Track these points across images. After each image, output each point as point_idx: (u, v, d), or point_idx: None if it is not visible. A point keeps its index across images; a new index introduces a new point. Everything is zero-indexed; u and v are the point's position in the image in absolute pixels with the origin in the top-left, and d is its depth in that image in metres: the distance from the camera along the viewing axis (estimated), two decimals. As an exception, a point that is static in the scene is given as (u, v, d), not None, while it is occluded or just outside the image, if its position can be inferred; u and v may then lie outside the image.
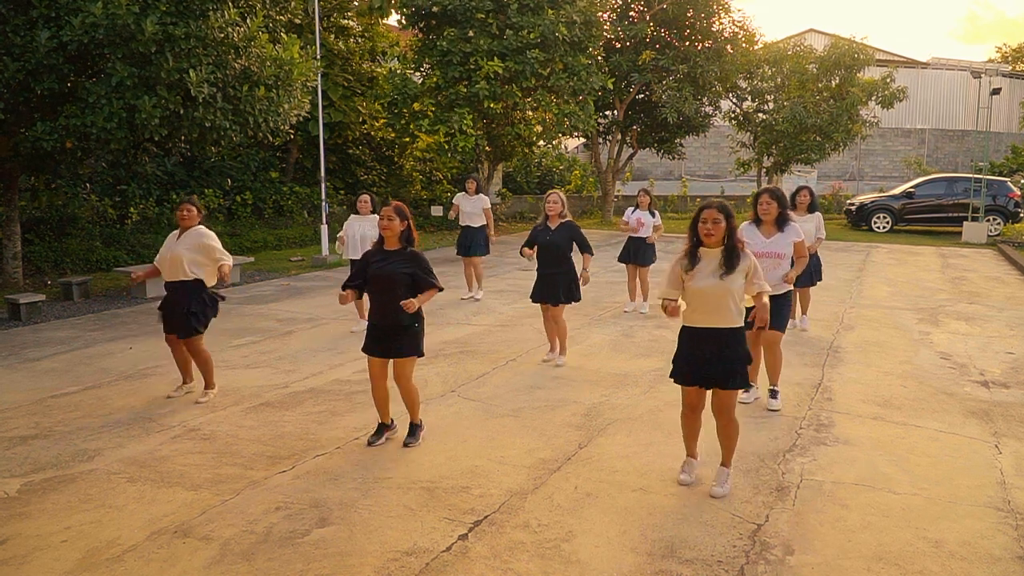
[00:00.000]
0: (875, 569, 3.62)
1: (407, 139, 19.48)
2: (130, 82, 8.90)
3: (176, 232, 6.04)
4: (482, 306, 9.90)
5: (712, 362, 4.20)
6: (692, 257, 4.20)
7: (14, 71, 8.70)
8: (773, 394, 5.95)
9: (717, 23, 20.59)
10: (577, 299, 7.11)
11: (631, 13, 21.01)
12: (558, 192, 7.09)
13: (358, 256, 8.01)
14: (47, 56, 8.73)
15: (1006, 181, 20.97)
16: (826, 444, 5.20)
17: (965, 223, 18.92)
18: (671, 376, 4.42)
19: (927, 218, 20.51)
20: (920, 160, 30.11)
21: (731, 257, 4.15)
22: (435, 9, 16.36)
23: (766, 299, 4.35)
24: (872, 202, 21.10)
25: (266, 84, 10.29)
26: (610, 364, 7.13)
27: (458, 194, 10.72)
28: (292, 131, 13.46)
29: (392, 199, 20.47)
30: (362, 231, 8.27)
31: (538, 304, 7.17)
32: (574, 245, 6.97)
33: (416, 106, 16.91)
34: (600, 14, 18.41)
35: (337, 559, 3.66)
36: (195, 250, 5.91)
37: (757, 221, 5.84)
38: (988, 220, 19.21)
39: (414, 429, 5.16)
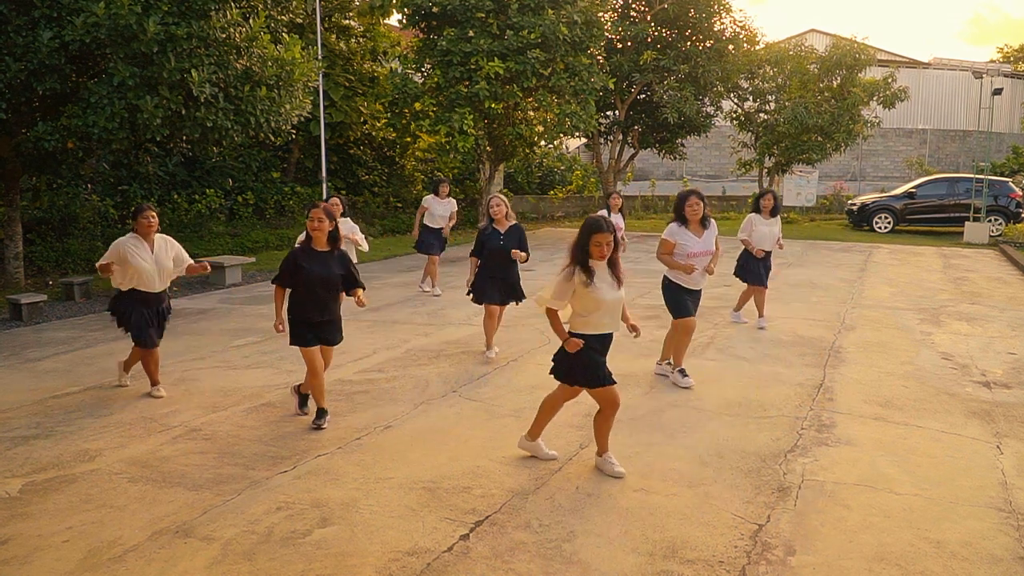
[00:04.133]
0: (876, 570, 3.62)
1: (408, 139, 19.51)
2: (132, 82, 8.91)
3: (139, 241, 5.92)
4: (483, 307, 9.87)
5: (603, 363, 4.62)
6: (588, 271, 4.47)
7: (16, 71, 8.70)
8: (683, 372, 6.56)
9: (718, 23, 20.59)
10: (519, 298, 7.44)
11: (632, 13, 21.01)
12: (500, 195, 7.30)
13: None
14: (49, 56, 8.73)
15: (1008, 181, 20.95)
16: (828, 444, 5.19)
17: (967, 223, 18.91)
18: (553, 373, 4.73)
19: (929, 218, 20.49)
20: (922, 160, 30.09)
21: (616, 270, 4.58)
22: (435, 9, 16.37)
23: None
24: (873, 202, 21.09)
25: (268, 84, 10.29)
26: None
27: (428, 196, 11.03)
28: (293, 131, 13.47)
29: (393, 199, 20.54)
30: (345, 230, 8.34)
31: (482, 305, 7.36)
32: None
33: (417, 106, 16.91)
34: (601, 14, 18.40)
35: (338, 559, 3.66)
36: (175, 260, 6.12)
37: (683, 221, 6.26)
38: (990, 220, 19.19)
39: (324, 413, 5.48)
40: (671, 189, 28.16)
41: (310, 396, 5.68)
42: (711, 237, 6.34)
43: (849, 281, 12.19)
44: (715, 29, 20.49)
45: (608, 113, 22.06)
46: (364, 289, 5.51)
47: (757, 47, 21.60)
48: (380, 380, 6.63)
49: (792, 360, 7.35)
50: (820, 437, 5.32)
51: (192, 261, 6.28)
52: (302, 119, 11.55)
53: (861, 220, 20.80)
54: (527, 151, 19.72)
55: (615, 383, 4.60)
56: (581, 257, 4.49)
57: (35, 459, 4.85)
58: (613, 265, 4.57)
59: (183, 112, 9.52)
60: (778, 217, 8.69)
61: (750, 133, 22.77)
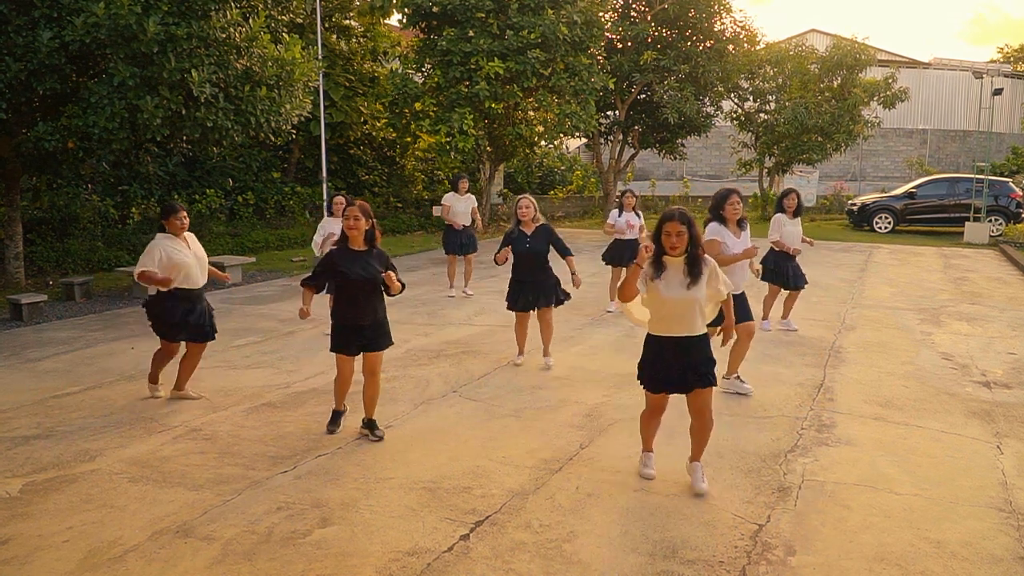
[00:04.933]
0: (876, 570, 3.62)
1: (408, 139, 19.51)
2: (132, 82, 8.91)
3: (173, 240, 5.83)
4: (483, 306, 9.89)
5: (681, 369, 4.26)
6: (658, 265, 4.20)
7: (16, 71, 8.70)
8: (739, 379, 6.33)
9: (718, 23, 20.58)
10: (568, 297, 7.09)
11: (632, 13, 21.01)
12: (528, 196, 6.98)
13: None
14: (49, 56, 8.73)
15: (1008, 181, 20.95)
16: (828, 444, 5.19)
17: (967, 223, 18.90)
18: (639, 379, 4.49)
19: (929, 218, 20.49)
20: (922, 160, 30.09)
21: (694, 267, 4.18)
22: (435, 9, 16.37)
23: (731, 301, 4.56)
24: (874, 202, 21.08)
25: (268, 84, 10.29)
26: (611, 364, 7.13)
27: (448, 194, 10.81)
28: (294, 131, 13.48)
29: (393, 199, 20.52)
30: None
31: (516, 312, 7.04)
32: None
33: (417, 106, 16.92)
34: (601, 14, 18.41)
35: (338, 559, 3.66)
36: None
37: (722, 220, 5.98)
38: (990, 221, 19.18)
39: (375, 425, 5.27)
40: (671, 189, 28.19)
41: (342, 416, 5.45)
42: (747, 238, 6.09)
43: (849, 281, 12.19)
44: (715, 29, 20.49)
45: (608, 113, 22.06)
46: (401, 286, 5.17)
47: (757, 47, 21.60)
48: (380, 380, 6.62)
49: (792, 360, 7.35)
50: (820, 437, 5.32)
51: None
52: (302, 119, 11.55)
53: (861, 220, 20.80)
54: (527, 151, 19.73)
55: (669, 392, 4.35)
56: (658, 248, 4.20)
57: (35, 459, 4.85)
58: (692, 262, 4.18)
59: (183, 112, 9.52)
60: (800, 217, 8.59)
61: (750, 133, 22.78)
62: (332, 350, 5.23)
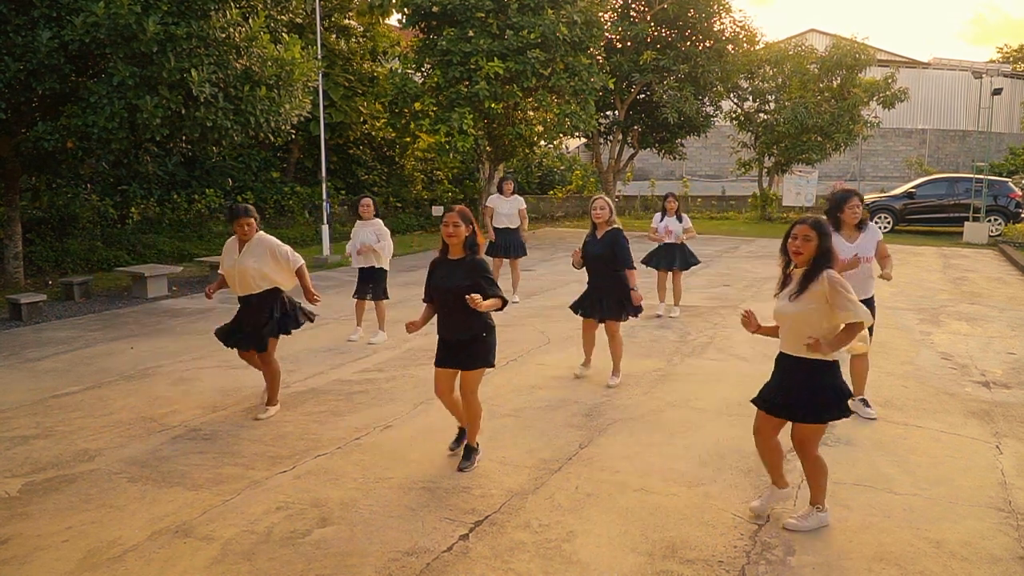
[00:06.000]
0: (876, 569, 3.62)
1: (408, 139, 19.51)
2: (131, 82, 8.91)
3: (234, 243, 5.67)
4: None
5: (780, 389, 3.90)
6: (784, 277, 3.91)
7: (15, 71, 8.70)
8: (865, 403, 5.81)
9: (718, 23, 20.61)
10: (632, 314, 6.50)
11: (632, 13, 21.02)
12: (603, 197, 6.52)
13: (369, 263, 7.84)
14: (48, 56, 8.73)
15: (1007, 181, 20.96)
16: (827, 444, 5.18)
17: (966, 223, 18.91)
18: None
19: (928, 218, 20.49)
20: (921, 160, 30.11)
21: (805, 279, 3.79)
22: (435, 9, 16.37)
23: (857, 329, 3.90)
24: (873, 202, 21.09)
25: (267, 84, 10.30)
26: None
27: (492, 196, 10.45)
28: (293, 131, 13.48)
29: (393, 199, 20.52)
30: (369, 238, 7.86)
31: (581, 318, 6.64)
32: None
33: (417, 106, 16.92)
34: (601, 14, 18.41)
35: (338, 559, 3.66)
36: (264, 260, 5.57)
37: (838, 224, 5.51)
38: (989, 220, 19.19)
39: (469, 453, 4.79)
40: (671, 189, 28.16)
41: (466, 434, 4.92)
42: (869, 241, 5.60)
43: (849, 281, 12.17)
44: (715, 29, 20.51)
45: (608, 113, 22.07)
46: (506, 303, 4.58)
47: (757, 47, 21.61)
48: (380, 380, 6.63)
49: (792, 360, 7.34)
50: (820, 437, 5.31)
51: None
52: (302, 119, 11.55)
53: (861, 220, 20.78)
54: (527, 151, 19.73)
55: (766, 411, 3.94)
56: (785, 255, 3.88)
57: (35, 459, 4.85)
58: (809, 271, 3.78)
59: (183, 112, 9.52)
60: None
61: (750, 133, 22.79)
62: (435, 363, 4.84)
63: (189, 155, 16.54)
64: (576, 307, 6.66)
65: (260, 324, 5.62)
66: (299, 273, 5.69)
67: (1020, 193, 20.16)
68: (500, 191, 10.37)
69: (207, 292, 5.95)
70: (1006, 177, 23.02)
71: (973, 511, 4.22)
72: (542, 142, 20.08)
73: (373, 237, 7.88)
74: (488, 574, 3.55)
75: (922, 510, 4.21)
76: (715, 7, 20.23)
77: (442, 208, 19.61)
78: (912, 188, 21.08)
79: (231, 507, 4.18)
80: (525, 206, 10.31)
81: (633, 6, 21.04)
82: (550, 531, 3.94)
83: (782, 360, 3.96)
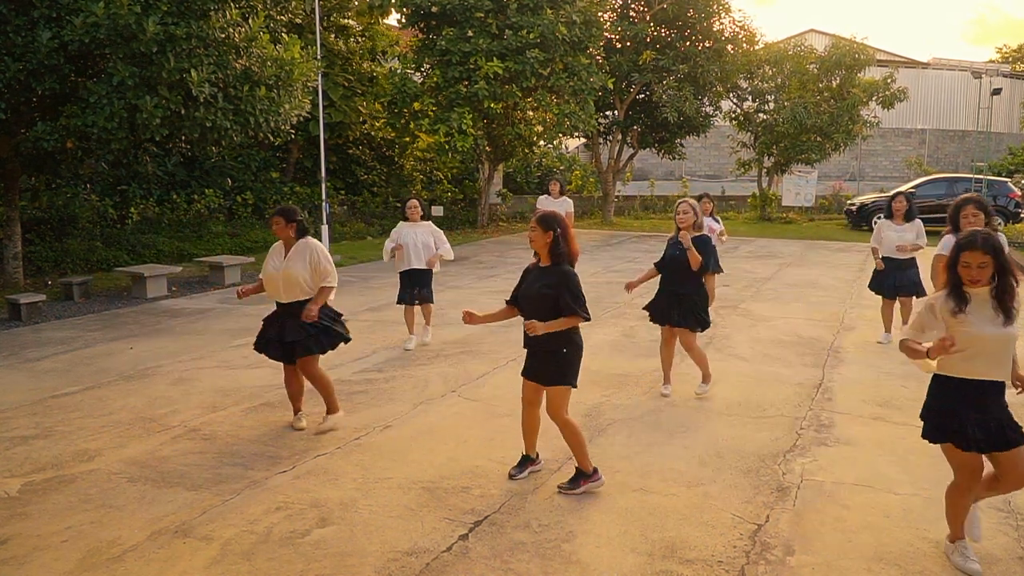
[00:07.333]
0: (875, 569, 3.62)
1: (407, 139, 19.50)
2: (131, 82, 8.91)
3: (279, 246, 5.36)
4: (482, 307, 9.88)
5: (986, 421, 3.52)
6: (959, 297, 3.52)
7: (15, 71, 8.70)
8: None
9: (717, 23, 20.61)
10: (704, 325, 6.16)
11: (631, 13, 21.02)
12: (688, 201, 6.13)
13: (422, 265, 7.53)
14: (48, 56, 8.73)
15: (1007, 181, 20.97)
16: (827, 444, 5.19)
17: (966, 223, 18.89)
18: (926, 436, 3.68)
19: (928, 218, 20.42)
20: (920, 160, 30.10)
21: (1004, 299, 3.47)
22: (434, 9, 16.38)
23: None
24: (873, 202, 21.08)
25: (267, 84, 10.30)
26: (611, 364, 7.13)
27: (540, 197, 10.22)
28: (293, 131, 13.46)
29: (392, 198, 20.52)
30: (423, 239, 7.58)
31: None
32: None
33: (416, 106, 16.93)
34: (600, 14, 18.41)
35: (337, 559, 3.66)
36: (306, 267, 5.24)
37: (958, 231, 5.20)
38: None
39: (576, 477, 4.44)
40: (670, 189, 28.16)
41: (529, 461, 4.69)
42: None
43: (848, 281, 12.19)
44: (714, 29, 20.51)
45: (607, 113, 22.07)
46: (586, 319, 4.29)
47: (756, 47, 21.62)
48: (379, 380, 6.63)
49: (792, 360, 7.35)
50: (819, 437, 5.32)
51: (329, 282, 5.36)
52: (301, 119, 11.55)
53: (860, 220, 20.80)
54: (526, 151, 19.74)
55: (979, 450, 3.52)
56: (953, 277, 3.53)
57: (34, 459, 4.85)
58: (1001, 293, 3.47)
59: (182, 112, 9.52)
60: (917, 220, 7.96)
61: (749, 133, 22.79)
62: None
63: (189, 155, 16.54)
64: (649, 311, 6.37)
65: (299, 337, 5.22)
66: (321, 289, 5.30)
67: (1019, 193, 20.17)
68: (547, 192, 10.14)
69: (239, 292, 5.48)
70: (1005, 177, 23.03)
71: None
72: (541, 142, 20.08)
73: (430, 240, 7.64)
74: (488, 574, 3.55)
75: (921, 510, 4.21)
76: (715, 7, 20.23)
77: (441, 208, 19.62)
78: (911, 188, 21.06)
79: (230, 507, 4.18)
80: (573, 208, 10.01)
81: (632, 6, 21.04)
82: (550, 531, 3.94)
83: (977, 388, 3.53)
